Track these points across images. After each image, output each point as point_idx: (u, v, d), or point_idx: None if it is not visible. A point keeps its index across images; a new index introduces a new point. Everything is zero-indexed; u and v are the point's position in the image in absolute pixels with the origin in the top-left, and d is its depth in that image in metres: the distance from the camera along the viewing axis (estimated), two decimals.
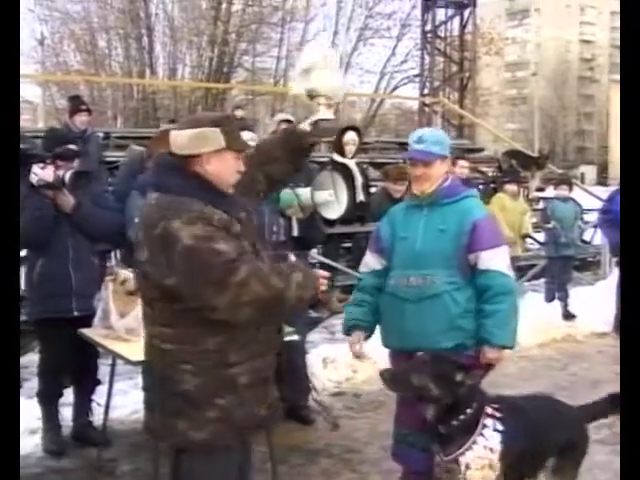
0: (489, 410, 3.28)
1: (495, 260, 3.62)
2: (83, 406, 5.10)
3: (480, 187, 11.12)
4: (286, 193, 4.98)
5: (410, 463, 3.88)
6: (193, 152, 2.82)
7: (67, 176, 4.66)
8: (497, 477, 3.18)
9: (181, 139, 2.83)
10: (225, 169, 2.87)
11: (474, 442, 3.20)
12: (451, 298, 3.60)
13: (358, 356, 3.97)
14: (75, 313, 4.77)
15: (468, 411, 3.23)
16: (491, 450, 3.19)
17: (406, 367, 3.35)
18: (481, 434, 3.22)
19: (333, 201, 4.97)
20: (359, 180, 7.81)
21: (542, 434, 3.37)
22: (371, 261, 3.97)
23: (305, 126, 3.33)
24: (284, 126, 3.61)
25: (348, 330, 3.94)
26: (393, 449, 3.96)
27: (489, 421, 3.26)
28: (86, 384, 5.10)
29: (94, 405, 5.15)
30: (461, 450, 3.20)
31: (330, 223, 6.58)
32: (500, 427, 3.24)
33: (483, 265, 3.62)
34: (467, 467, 3.18)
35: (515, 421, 3.31)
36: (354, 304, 3.97)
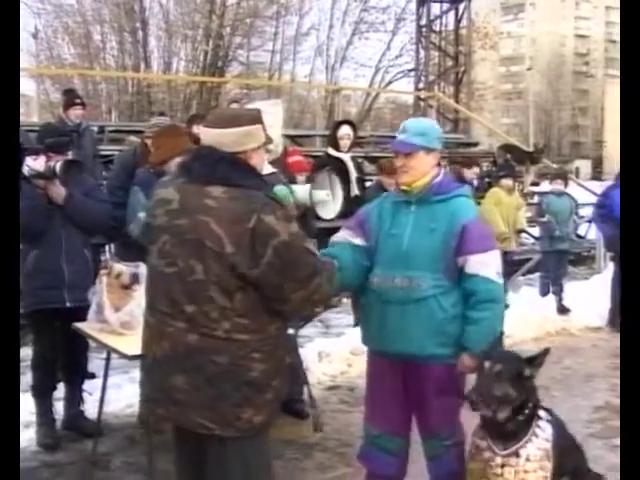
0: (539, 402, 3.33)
1: (483, 265, 3.44)
2: (74, 397, 5.10)
3: (475, 182, 11.12)
4: (280, 188, 4.94)
5: (377, 466, 3.74)
6: (240, 149, 2.84)
7: (58, 166, 4.65)
8: (552, 467, 3.21)
9: (229, 137, 2.83)
10: (260, 163, 2.96)
11: (534, 434, 3.22)
12: (437, 303, 3.43)
13: None
14: (68, 304, 4.76)
15: (530, 404, 3.24)
16: (546, 440, 3.23)
17: (482, 384, 3.20)
18: (538, 425, 3.25)
19: (329, 201, 4.98)
20: (354, 174, 7.80)
21: (563, 448, 3.39)
22: (348, 234, 3.73)
23: None
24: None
25: None
26: (360, 450, 3.84)
27: (542, 412, 3.30)
28: (77, 376, 5.10)
29: (86, 395, 5.15)
30: (521, 442, 3.20)
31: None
32: (549, 417, 3.30)
33: (470, 269, 3.43)
34: (527, 459, 3.18)
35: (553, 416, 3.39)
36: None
